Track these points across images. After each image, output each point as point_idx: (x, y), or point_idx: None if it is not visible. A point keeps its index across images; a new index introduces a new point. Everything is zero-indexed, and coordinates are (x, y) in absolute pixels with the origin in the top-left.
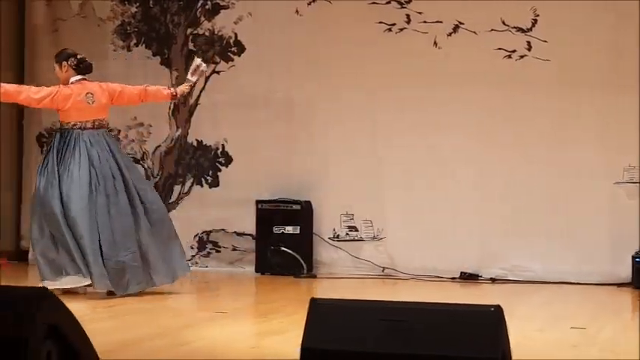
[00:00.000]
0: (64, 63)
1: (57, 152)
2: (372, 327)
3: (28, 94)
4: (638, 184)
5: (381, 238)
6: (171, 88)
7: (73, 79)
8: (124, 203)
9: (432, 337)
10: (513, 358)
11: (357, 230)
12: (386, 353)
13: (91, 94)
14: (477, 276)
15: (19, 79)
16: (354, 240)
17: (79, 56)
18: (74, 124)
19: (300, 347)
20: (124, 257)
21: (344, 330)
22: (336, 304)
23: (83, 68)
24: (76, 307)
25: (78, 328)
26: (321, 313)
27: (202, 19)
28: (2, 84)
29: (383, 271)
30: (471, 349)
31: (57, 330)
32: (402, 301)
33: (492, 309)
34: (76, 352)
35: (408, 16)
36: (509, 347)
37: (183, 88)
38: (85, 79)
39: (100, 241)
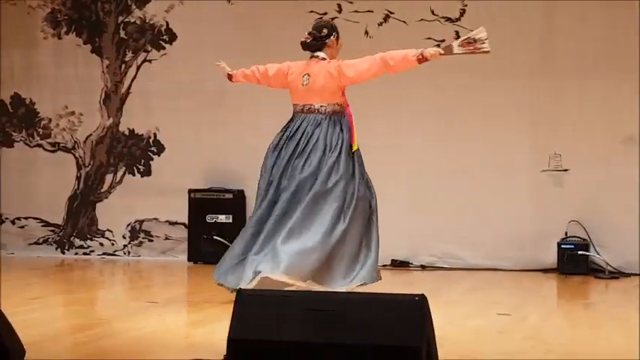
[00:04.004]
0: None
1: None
2: (299, 317)
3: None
4: (563, 172)
5: None
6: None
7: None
8: None
9: (357, 326)
10: (439, 345)
11: None
12: (312, 342)
13: (308, 75)
14: (408, 263)
15: None
16: None
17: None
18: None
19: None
20: None
21: (271, 320)
22: (263, 294)
23: (306, 45)
24: None
25: (3, 320)
26: (247, 303)
27: (133, 7)
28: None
29: None
30: (396, 338)
31: None
32: (328, 291)
33: (417, 298)
34: (2, 346)
35: (339, 5)
36: (434, 335)
37: (432, 52)
38: (316, 57)
39: None
